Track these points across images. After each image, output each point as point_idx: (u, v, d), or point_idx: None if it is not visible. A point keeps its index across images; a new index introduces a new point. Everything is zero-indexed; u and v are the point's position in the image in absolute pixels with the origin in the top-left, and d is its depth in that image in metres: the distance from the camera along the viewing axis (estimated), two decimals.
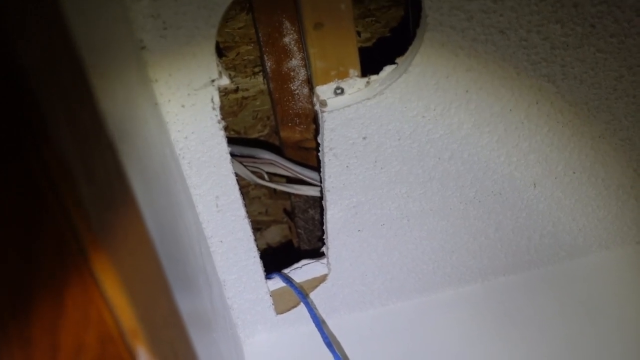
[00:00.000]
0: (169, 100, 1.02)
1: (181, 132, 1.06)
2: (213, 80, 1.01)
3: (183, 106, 1.03)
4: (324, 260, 1.34)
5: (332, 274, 1.34)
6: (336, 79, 1.09)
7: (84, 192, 0.44)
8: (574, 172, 1.27)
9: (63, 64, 0.48)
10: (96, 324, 0.48)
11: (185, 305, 0.72)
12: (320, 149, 1.14)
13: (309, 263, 1.36)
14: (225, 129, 1.09)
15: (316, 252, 1.36)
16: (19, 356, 0.48)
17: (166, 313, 0.62)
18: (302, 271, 1.36)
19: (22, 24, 0.42)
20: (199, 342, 0.76)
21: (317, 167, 1.22)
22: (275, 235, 1.72)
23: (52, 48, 0.47)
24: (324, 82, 1.09)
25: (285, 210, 1.66)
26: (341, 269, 1.33)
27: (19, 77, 0.40)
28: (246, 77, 1.40)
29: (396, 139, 1.14)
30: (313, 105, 1.15)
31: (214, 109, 1.05)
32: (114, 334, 0.49)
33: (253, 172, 1.33)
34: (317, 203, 1.40)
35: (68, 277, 0.45)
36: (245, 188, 1.58)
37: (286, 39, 1.18)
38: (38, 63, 0.43)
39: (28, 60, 0.41)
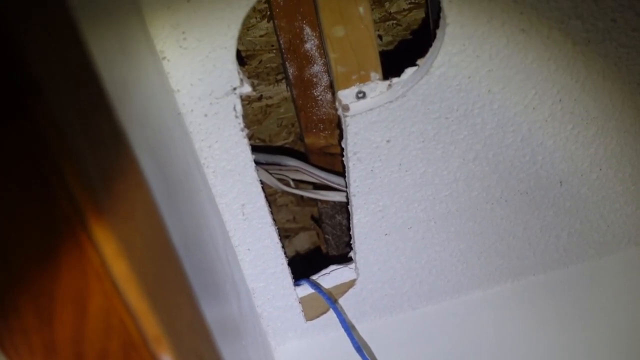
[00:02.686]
0: (192, 110, 1.02)
1: (205, 141, 1.06)
2: (235, 88, 1.01)
3: (206, 115, 1.03)
4: (352, 265, 1.33)
5: (361, 278, 1.33)
6: (358, 83, 1.09)
7: (101, 199, 0.44)
8: (601, 169, 1.26)
9: (76, 71, 0.48)
10: (119, 331, 0.48)
11: (211, 312, 0.72)
12: (344, 153, 1.14)
13: (337, 268, 1.36)
14: (250, 137, 1.09)
15: (344, 258, 1.36)
16: None
17: (191, 320, 0.62)
18: (331, 277, 1.35)
19: (29, 22, 0.42)
20: (227, 350, 0.76)
21: (343, 172, 1.21)
22: (303, 242, 1.71)
23: (66, 56, 0.47)
24: (346, 87, 1.09)
25: (312, 217, 1.65)
26: (369, 273, 1.32)
27: (29, 77, 0.40)
28: (269, 84, 1.40)
29: (420, 141, 1.13)
30: (336, 110, 1.14)
31: (236, 117, 1.05)
32: (137, 341, 0.49)
33: (279, 180, 1.33)
34: (344, 208, 1.39)
35: (89, 284, 0.45)
36: (272, 196, 1.58)
37: (307, 45, 1.18)
38: (48, 69, 0.42)
39: (37, 62, 0.41)
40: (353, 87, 1.09)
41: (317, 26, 1.16)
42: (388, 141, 1.12)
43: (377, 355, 1.35)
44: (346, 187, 1.20)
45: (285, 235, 1.70)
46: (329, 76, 1.20)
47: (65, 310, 0.46)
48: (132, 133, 0.58)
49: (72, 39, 0.49)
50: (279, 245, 1.23)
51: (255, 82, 1.39)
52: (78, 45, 0.50)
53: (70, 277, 0.45)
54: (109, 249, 0.45)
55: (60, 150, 0.42)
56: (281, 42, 1.18)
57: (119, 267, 0.45)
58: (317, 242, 1.71)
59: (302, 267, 1.37)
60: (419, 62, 1.08)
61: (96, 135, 0.48)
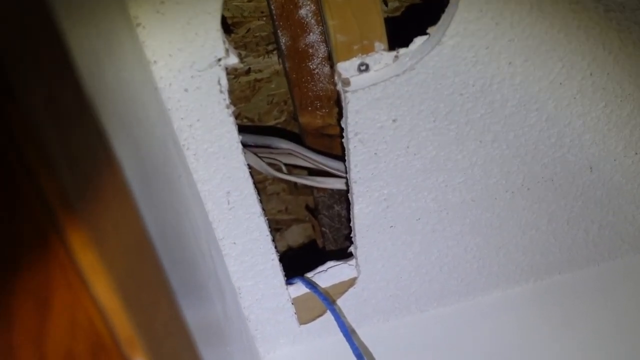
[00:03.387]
0: (170, 84, 1.02)
1: (185, 120, 1.06)
2: (219, 60, 1.01)
3: (186, 90, 1.03)
4: (353, 262, 1.34)
5: (362, 276, 1.33)
6: (360, 54, 1.09)
7: (67, 181, 0.44)
8: (636, 153, 1.26)
9: (41, 39, 0.49)
10: (86, 330, 0.48)
11: (192, 313, 0.73)
12: (344, 134, 1.14)
13: (336, 265, 1.36)
14: (237, 116, 1.09)
15: (343, 253, 1.36)
16: None
17: (169, 320, 0.62)
18: (328, 275, 1.36)
19: None
20: (209, 356, 0.76)
21: (342, 156, 1.21)
22: (296, 235, 1.72)
23: (29, 24, 0.47)
24: (346, 58, 1.09)
25: (307, 207, 1.66)
26: (372, 271, 1.33)
27: None
28: (259, 56, 1.40)
29: (431, 121, 1.13)
30: (335, 85, 1.14)
31: (221, 92, 1.05)
32: (108, 342, 0.49)
33: (270, 165, 1.33)
34: (344, 197, 1.40)
35: (52, 277, 0.46)
36: (261, 183, 1.58)
37: (302, 11, 1.18)
38: (14, 41, 0.43)
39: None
40: (354, 59, 1.09)
41: None
42: (394, 120, 1.12)
43: None
44: (346, 173, 1.20)
45: (276, 227, 1.70)
46: (327, 46, 1.20)
47: (25, 307, 0.46)
48: (102, 109, 0.58)
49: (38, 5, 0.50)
50: (269, 238, 1.23)
51: (243, 53, 1.39)
52: (44, 10, 0.50)
53: (31, 268, 0.45)
54: (75, 237, 0.45)
55: (19, 123, 0.42)
56: (272, 7, 1.18)
57: (87, 258, 0.45)
58: (312, 236, 1.71)
59: (296, 263, 1.37)
60: (429, 30, 1.08)
61: (61, 111, 0.48)
